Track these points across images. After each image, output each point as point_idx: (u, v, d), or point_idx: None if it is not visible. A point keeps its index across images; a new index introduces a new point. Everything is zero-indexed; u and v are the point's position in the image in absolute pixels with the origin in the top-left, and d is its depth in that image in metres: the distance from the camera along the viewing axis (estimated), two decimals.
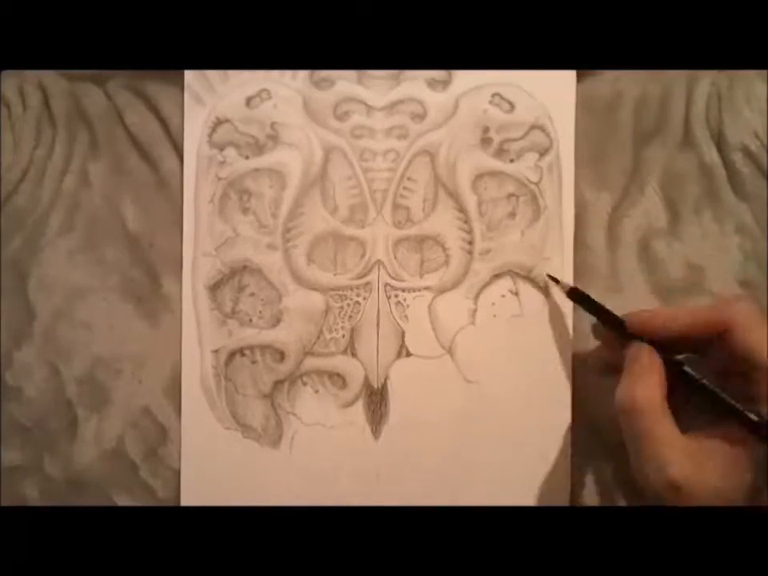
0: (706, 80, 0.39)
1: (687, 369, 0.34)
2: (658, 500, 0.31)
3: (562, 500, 0.38)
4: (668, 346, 0.34)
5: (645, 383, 0.33)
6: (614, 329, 0.36)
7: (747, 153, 0.39)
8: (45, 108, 0.41)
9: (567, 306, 0.39)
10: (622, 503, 0.38)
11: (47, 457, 0.40)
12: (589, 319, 0.37)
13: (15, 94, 0.41)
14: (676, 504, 0.30)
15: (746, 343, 0.32)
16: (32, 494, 0.40)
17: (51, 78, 0.41)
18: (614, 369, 0.35)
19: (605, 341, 0.37)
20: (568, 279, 0.39)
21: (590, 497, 0.38)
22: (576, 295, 0.38)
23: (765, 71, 0.39)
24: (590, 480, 0.39)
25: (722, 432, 0.32)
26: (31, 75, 0.41)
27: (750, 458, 0.31)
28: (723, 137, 0.39)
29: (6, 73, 0.41)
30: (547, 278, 0.39)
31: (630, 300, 0.39)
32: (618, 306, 0.36)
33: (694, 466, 0.31)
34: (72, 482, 0.40)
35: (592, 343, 0.37)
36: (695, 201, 0.39)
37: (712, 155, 0.39)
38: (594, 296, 0.37)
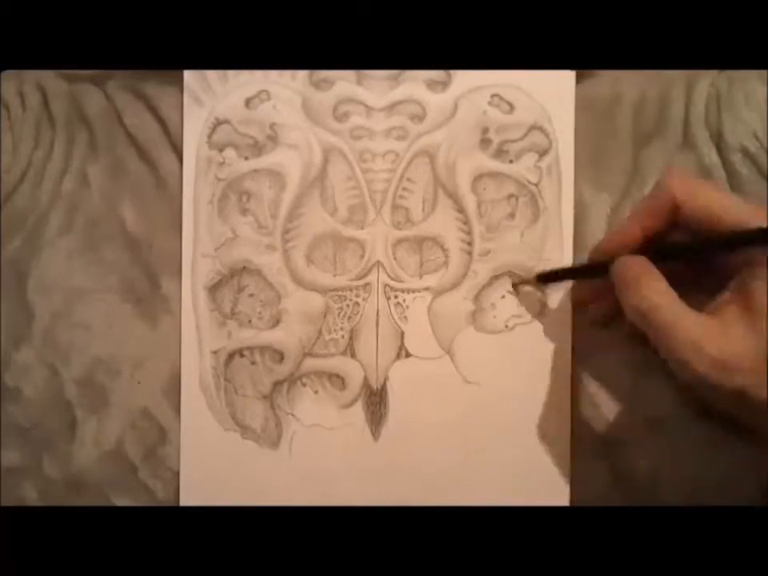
0: (706, 81, 0.39)
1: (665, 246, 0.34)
2: (707, 386, 0.30)
3: (561, 500, 0.38)
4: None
5: (646, 280, 0.33)
6: (594, 275, 0.36)
7: (747, 154, 0.39)
8: (44, 109, 0.41)
9: (567, 306, 0.39)
10: (622, 503, 0.38)
11: (46, 458, 0.40)
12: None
13: (14, 94, 0.41)
14: (725, 383, 0.30)
15: (694, 211, 0.32)
16: (31, 496, 0.40)
17: (50, 78, 0.41)
18: (612, 317, 0.36)
19: (595, 294, 0.37)
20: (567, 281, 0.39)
21: (590, 497, 0.38)
22: (544, 277, 0.38)
23: (764, 72, 0.38)
24: (589, 480, 0.39)
25: (730, 300, 0.32)
26: (30, 76, 0.41)
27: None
28: (722, 138, 0.39)
29: (5, 73, 0.40)
30: (513, 288, 0.39)
31: None
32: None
33: (724, 337, 0.30)
34: (71, 483, 0.40)
35: (592, 343, 0.37)
36: None
37: (711, 156, 0.39)
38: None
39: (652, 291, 0.32)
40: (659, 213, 0.34)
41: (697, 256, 0.34)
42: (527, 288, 0.39)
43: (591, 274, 0.37)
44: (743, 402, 0.30)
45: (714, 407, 0.36)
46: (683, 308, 0.31)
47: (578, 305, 0.39)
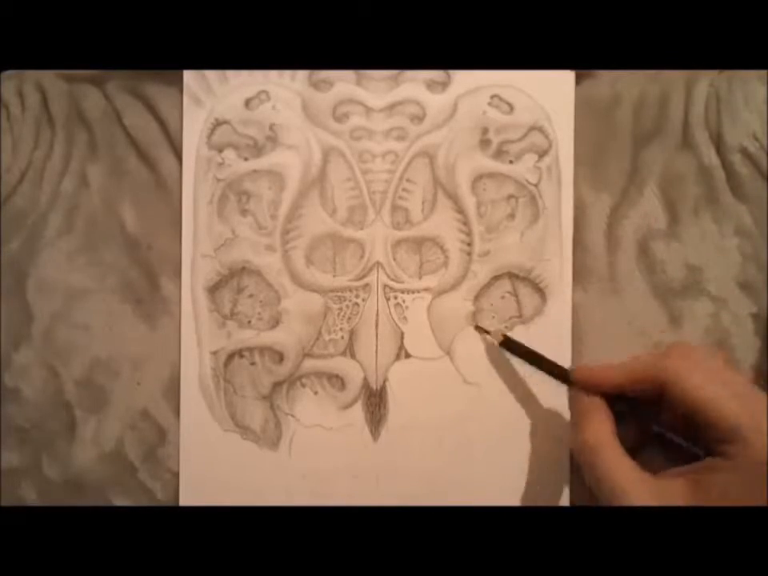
0: (705, 81, 0.39)
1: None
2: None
3: (561, 500, 0.38)
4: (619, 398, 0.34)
5: (590, 422, 0.34)
6: (555, 376, 0.36)
7: (746, 154, 0.39)
8: (44, 109, 0.41)
9: (566, 308, 0.39)
10: None
11: (45, 459, 0.40)
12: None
13: (14, 95, 0.41)
14: None
15: (682, 399, 0.32)
16: (30, 496, 0.40)
17: (50, 79, 0.41)
18: None
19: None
20: (567, 281, 0.39)
21: (590, 497, 0.38)
22: (509, 343, 0.38)
23: (764, 72, 0.38)
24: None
25: (683, 475, 0.32)
26: (30, 76, 0.41)
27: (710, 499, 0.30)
28: (722, 138, 0.39)
29: (5, 74, 0.41)
30: (476, 329, 0.39)
31: (630, 301, 0.39)
32: (617, 308, 0.36)
33: (654, 497, 0.30)
34: (70, 483, 0.40)
35: (592, 342, 0.37)
36: (694, 202, 0.39)
37: (711, 157, 0.39)
38: (594, 297, 0.37)
39: (591, 433, 0.33)
40: (646, 383, 0.33)
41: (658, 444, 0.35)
42: (488, 338, 0.39)
43: (551, 372, 0.37)
44: None
45: None
46: (620, 455, 0.32)
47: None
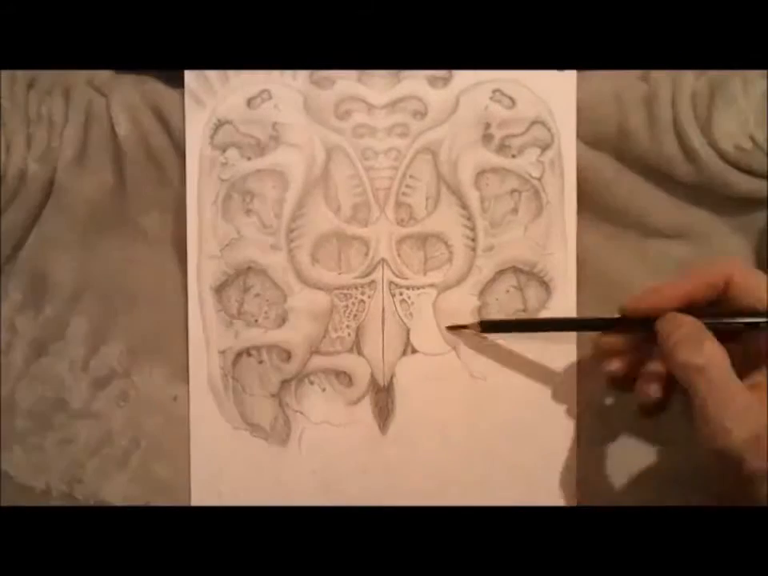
0: (703, 80, 0.38)
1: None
2: (733, 460, 0.29)
3: (568, 496, 0.39)
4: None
5: (702, 338, 0.32)
6: (542, 329, 0.37)
7: (743, 153, 0.38)
8: (42, 109, 0.40)
9: (571, 301, 0.39)
10: (629, 498, 0.38)
11: None
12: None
13: (11, 94, 0.40)
14: (754, 463, 0.29)
15: (748, 290, 0.32)
16: None
17: (48, 78, 0.41)
18: (623, 379, 0.36)
19: (602, 351, 0.37)
20: (571, 274, 0.39)
21: (597, 493, 0.39)
22: (488, 325, 0.38)
23: (763, 72, 0.37)
24: (596, 475, 0.39)
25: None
26: (27, 75, 0.40)
27: None
28: (716, 137, 0.38)
29: (3, 73, 0.40)
30: (449, 329, 0.39)
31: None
32: (616, 304, 0.36)
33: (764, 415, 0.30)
34: None
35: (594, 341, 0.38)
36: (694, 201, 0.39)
37: (707, 154, 0.38)
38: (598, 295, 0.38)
39: (707, 350, 0.31)
40: (711, 283, 0.33)
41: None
42: (467, 331, 0.39)
43: (542, 328, 0.37)
44: (754, 491, 0.29)
45: (720, 485, 0.34)
46: (733, 375, 0.31)
47: (599, 356, 0.37)
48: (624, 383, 0.36)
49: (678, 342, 0.32)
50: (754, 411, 0.30)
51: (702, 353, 0.31)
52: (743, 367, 0.32)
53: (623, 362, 0.36)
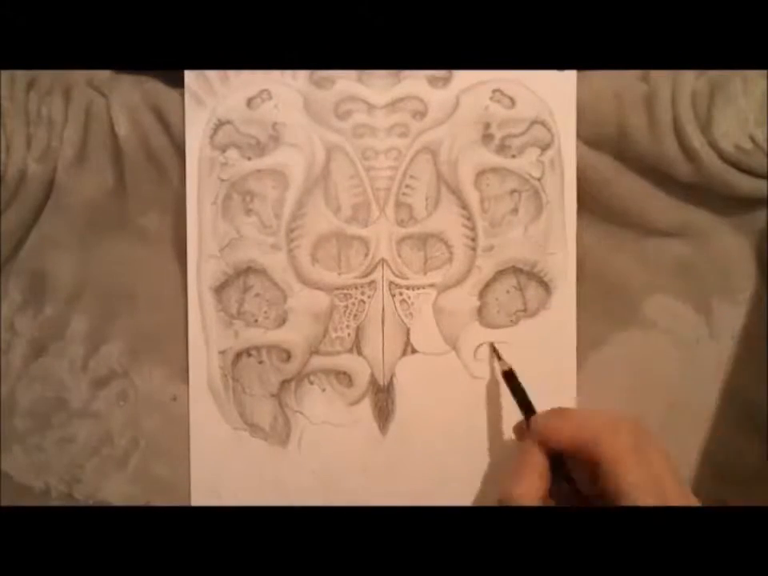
0: (702, 80, 0.38)
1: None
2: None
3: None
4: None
5: (523, 480, 0.33)
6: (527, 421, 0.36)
7: (742, 153, 0.38)
8: (42, 110, 0.40)
9: (571, 301, 0.39)
10: None
11: None
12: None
13: (11, 94, 0.40)
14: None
15: (611, 480, 0.31)
16: None
17: (48, 78, 0.41)
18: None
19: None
20: (571, 274, 0.39)
21: None
22: (509, 378, 0.37)
23: (763, 72, 0.37)
24: None
25: None
26: (27, 75, 0.40)
27: None
28: (716, 136, 0.38)
29: (3, 73, 0.40)
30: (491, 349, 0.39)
31: (631, 297, 0.39)
32: (617, 305, 0.36)
33: None
34: None
35: (594, 341, 0.38)
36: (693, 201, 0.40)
37: (707, 154, 0.38)
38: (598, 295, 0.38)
39: (520, 492, 0.32)
40: (583, 453, 0.33)
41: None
42: (495, 361, 0.39)
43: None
44: None
45: None
46: None
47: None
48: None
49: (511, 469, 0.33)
50: None
51: (515, 491, 0.33)
52: None
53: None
